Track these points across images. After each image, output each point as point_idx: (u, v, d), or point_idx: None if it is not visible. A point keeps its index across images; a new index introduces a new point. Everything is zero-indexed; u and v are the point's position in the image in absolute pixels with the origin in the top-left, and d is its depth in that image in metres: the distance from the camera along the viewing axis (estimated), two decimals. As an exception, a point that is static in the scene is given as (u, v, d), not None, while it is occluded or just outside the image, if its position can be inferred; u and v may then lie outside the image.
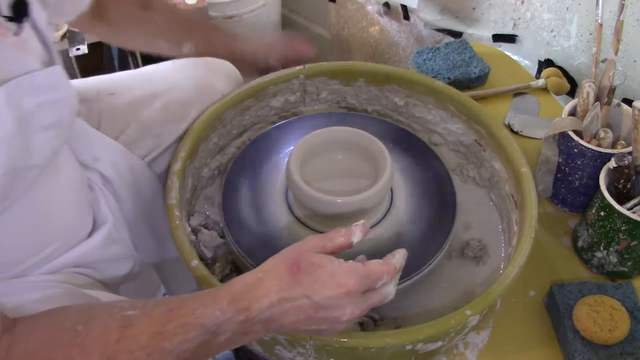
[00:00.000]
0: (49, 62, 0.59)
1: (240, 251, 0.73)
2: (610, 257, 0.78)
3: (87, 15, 0.78)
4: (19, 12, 0.55)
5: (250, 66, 0.92)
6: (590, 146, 0.80)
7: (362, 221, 0.59)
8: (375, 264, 0.55)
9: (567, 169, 0.85)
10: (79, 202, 0.71)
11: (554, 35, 1.13)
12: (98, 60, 1.52)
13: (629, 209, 0.74)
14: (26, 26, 0.56)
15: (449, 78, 1.06)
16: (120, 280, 0.77)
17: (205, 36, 0.89)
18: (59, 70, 0.58)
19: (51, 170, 0.64)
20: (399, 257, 0.58)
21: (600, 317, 0.70)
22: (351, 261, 0.55)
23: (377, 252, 0.72)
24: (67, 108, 0.61)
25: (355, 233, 0.57)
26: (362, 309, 0.54)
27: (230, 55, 0.89)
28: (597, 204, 0.77)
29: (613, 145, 0.82)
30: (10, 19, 0.54)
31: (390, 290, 0.57)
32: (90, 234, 0.73)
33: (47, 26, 0.60)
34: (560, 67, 1.13)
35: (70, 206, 0.69)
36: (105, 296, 0.67)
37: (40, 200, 0.63)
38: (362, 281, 0.53)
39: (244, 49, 0.92)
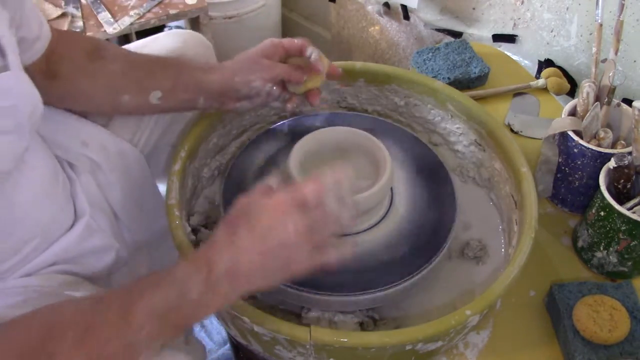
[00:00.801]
0: (2, 67, 0.57)
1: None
2: (610, 257, 0.78)
3: (39, 75, 0.70)
4: None
5: (233, 98, 0.76)
6: (590, 146, 0.80)
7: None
8: (298, 184, 0.58)
9: (567, 169, 0.85)
10: (54, 197, 0.70)
11: (554, 35, 1.13)
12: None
13: (629, 209, 0.74)
14: None
15: (449, 78, 1.06)
16: (106, 270, 0.77)
17: (171, 78, 0.75)
18: (11, 76, 0.57)
19: (20, 168, 0.64)
20: (330, 172, 0.58)
21: (600, 317, 0.70)
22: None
23: (377, 252, 0.72)
24: (26, 114, 0.59)
25: (271, 180, 0.61)
26: (304, 222, 0.55)
27: (204, 94, 0.75)
28: (597, 204, 0.77)
29: (613, 145, 0.82)
30: None
31: (330, 204, 0.57)
32: (69, 229, 0.72)
33: (5, 33, 0.58)
34: (560, 67, 1.13)
35: (44, 203, 0.68)
36: (87, 293, 0.67)
37: (12, 200, 0.63)
38: (286, 196, 0.56)
39: (220, 81, 0.74)
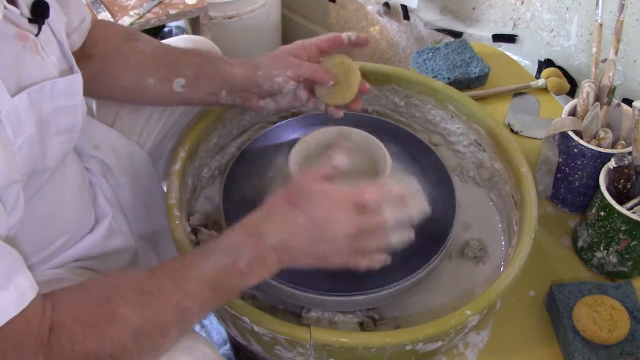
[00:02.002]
0: (68, 69, 0.60)
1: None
2: (610, 257, 0.78)
3: (75, 56, 0.71)
4: (39, 13, 0.56)
5: (255, 95, 0.75)
6: (590, 146, 0.80)
7: (343, 145, 0.64)
8: (364, 186, 0.60)
9: (567, 169, 0.85)
10: (82, 198, 0.73)
11: (554, 35, 1.13)
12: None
13: (629, 209, 0.74)
14: (45, 29, 0.57)
15: (449, 78, 1.06)
16: (122, 270, 0.78)
17: (195, 67, 0.75)
18: (79, 79, 0.61)
19: (59, 168, 0.66)
20: (397, 186, 0.61)
21: (600, 317, 0.70)
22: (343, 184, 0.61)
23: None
24: (80, 114, 0.63)
25: (337, 156, 0.62)
26: (356, 224, 0.58)
27: (227, 86, 0.74)
28: (597, 204, 0.77)
29: (613, 145, 0.82)
30: (30, 20, 0.55)
31: (386, 215, 0.60)
32: (91, 229, 0.74)
33: (64, 34, 0.61)
34: (560, 67, 1.13)
35: (75, 202, 0.70)
36: None
37: (50, 198, 0.65)
38: (349, 193, 0.59)
39: (243, 74, 0.74)
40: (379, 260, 0.62)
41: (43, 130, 0.57)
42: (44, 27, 0.57)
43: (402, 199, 0.61)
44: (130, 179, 0.81)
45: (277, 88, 0.73)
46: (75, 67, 0.62)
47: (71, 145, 0.66)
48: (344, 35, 0.75)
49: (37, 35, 0.56)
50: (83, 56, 0.73)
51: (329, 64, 0.75)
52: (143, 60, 0.75)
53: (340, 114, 0.78)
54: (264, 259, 0.57)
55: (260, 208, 0.60)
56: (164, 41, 0.88)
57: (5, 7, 0.51)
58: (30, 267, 0.65)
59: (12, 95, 0.52)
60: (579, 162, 0.83)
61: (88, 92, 0.76)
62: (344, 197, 0.59)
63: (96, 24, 0.76)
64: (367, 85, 0.78)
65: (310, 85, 0.77)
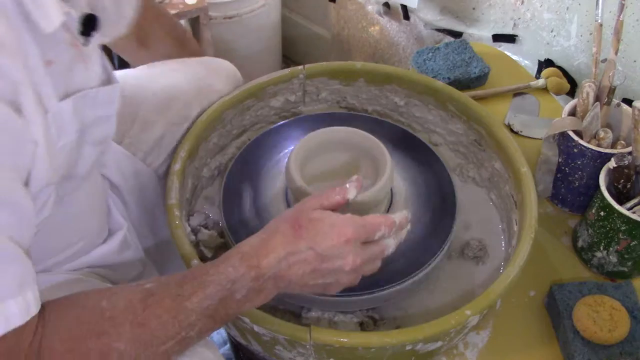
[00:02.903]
0: (107, 79, 0.61)
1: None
2: (610, 257, 0.78)
3: (132, 41, 0.83)
4: (89, 26, 0.56)
5: None
6: (590, 146, 0.80)
7: (355, 176, 0.63)
8: (372, 216, 0.59)
9: (567, 169, 0.85)
10: (101, 208, 0.74)
11: (554, 35, 1.13)
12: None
13: (629, 209, 0.74)
14: (93, 40, 0.57)
15: (449, 78, 1.06)
16: (129, 281, 0.78)
17: None
18: (117, 89, 0.61)
19: (86, 178, 0.66)
20: (399, 214, 0.62)
21: (600, 317, 0.70)
22: (349, 214, 0.58)
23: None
24: (114, 125, 0.64)
25: (350, 190, 0.61)
26: (362, 257, 0.58)
27: None
28: (597, 204, 0.77)
29: (613, 145, 0.82)
30: (81, 32, 0.55)
31: (389, 242, 0.60)
32: (104, 240, 0.75)
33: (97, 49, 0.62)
34: (560, 67, 1.13)
35: (94, 211, 0.71)
36: None
37: (74, 204, 0.65)
38: (360, 230, 0.57)
39: None
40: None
41: (82, 137, 0.58)
42: (93, 37, 0.57)
43: (405, 226, 0.62)
44: (137, 198, 0.82)
45: None
46: (114, 77, 0.62)
47: (102, 156, 0.67)
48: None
49: (86, 44, 0.56)
50: (139, 42, 0.84)
51: None
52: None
53: None
54: (261, 290, 0.56)
55: (262, 231, 0.58)
56: (179, 60, 0.90)
57: (66, 13, 0.51)
58: (42, 271, 0.66)
59: (60, 100, 0.53)
60: (579, 162, 0.83)
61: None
62: (352, 232, 0.57)
63: (155, 15, 0.84)
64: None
65: None
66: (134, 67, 0.85)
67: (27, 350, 0.47)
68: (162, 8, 0.89)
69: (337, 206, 0.60)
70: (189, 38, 0.91)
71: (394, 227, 0.60)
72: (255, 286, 0.55)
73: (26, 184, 0.50)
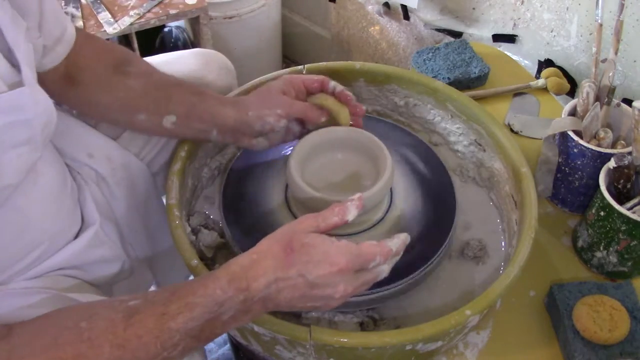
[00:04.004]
0: (18, 83, 0.55)
1: (241, 251, 0.73)
2: (610, 257, 0.78)
3: (59, 79, 0.71)
4: None
5: (247, 135, 0.75)
6: (590, 146, 0.80)
7: (357, 195, 0.60)
8: (368, 245, 0.56)
9: (567, 169, 0.85)
10: (62, 204, 0.70)
11: (554, 35, 1.13)
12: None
13: (629, 209, 0.74)
14: None
15: (449, 78, 1.06)
16: (110, 279, 0.77)
17: (187, 105, 0.73)
18: (26, 92, 0.55)
19: (30, 177, 0.63)
20: (397, 240, 0.59)
21: (600, 317, 0.70)
22: (344, 240, 0.56)
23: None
24: (39, 127, 0.58)
25: (350, 210, 0.59)
26: (354, 286, 0.56)
27: (218, 127, 0.74)
28: (597, 204, 0.77)
29: (613, 145, 0.82)
30: None
31: (383, 269, 0.58)
32: (77, 235, 0.72)
33: (21, 46, 0.56)
34: (560, 67, 1.13)
35: (52, 209, 0.68)
36: (92, 298, 0.66)
37: (20, 208, 0.62)
38: (355, 260, 0.55)
39: (234, 116, 0.73)
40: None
41: None
42: None
43: (399, 253, 0.60)
44: (125, 190, 0.79)
45: (268, 128, 0.73)
46: (29, 80, 0.56)
47: (34, 156, 0.60)
48: (331, 83, 0.75)
49: None
50: (69, 80, 0.71)
51: (317, 101, 0.75)
52: (132, 96, 0.73)
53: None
54: (249, 312, 0.55)
55: (252, 250, 0.56)
56: (171, 54, 0.87)
57: None
58: (6, 279, 0.63)
59: None
60: (579, 162, 0.83)
61: (81, 114, 0.75)
62: (345, 262, 0.54)
63: (84, 43, 0.72)
64: (363, 107, 0.77)
65: (302, 122, 0.77)
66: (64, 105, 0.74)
67: None
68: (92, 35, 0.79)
69: (334, 227, 0.58)
70: (131, 59, 0.77)
71: (390, 256, 0.58)
72: (243, 308, 0.54)
73: None
